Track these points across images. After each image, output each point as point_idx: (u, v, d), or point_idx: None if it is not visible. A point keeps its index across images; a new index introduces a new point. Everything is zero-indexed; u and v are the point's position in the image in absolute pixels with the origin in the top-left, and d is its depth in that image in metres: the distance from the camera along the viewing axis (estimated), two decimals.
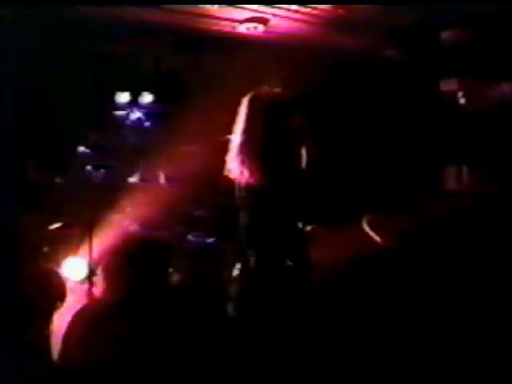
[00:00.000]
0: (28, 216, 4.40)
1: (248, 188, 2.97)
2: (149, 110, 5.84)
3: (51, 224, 4.82)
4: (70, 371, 2.59)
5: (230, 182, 3.07)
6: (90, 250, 4.60)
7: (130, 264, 2.86)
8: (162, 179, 5.67)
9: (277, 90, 3.16)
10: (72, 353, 2.65)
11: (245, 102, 3.15)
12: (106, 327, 2.64)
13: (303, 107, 3.20)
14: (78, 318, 2.78)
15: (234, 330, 2.89)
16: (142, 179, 5.66)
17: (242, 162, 3.01)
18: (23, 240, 4.00)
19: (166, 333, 2.70)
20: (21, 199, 4.39)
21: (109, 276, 2.94)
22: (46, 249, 4.66)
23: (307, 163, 3.09)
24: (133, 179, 5.66)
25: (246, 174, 2.98)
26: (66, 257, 4.71)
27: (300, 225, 3.06)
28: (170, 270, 3.15)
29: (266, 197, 2.92)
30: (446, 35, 5.06)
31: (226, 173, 3.05)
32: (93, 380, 2.53)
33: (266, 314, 2.87)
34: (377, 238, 3.80)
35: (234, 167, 3.06)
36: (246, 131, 3.07)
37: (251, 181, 2.95)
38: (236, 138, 3.12)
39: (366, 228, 3.76)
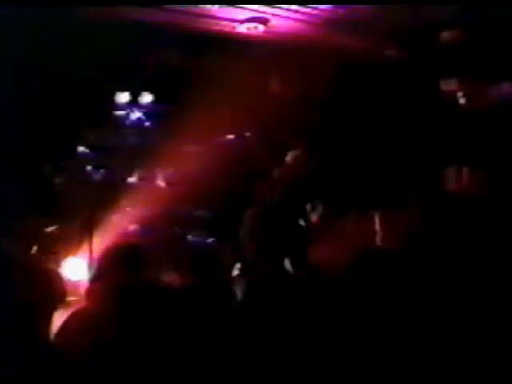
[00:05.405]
0: (29, 216, 4.41)
1: None
2: (149, 110, 5.85)
3: (52, 224, 4.83)
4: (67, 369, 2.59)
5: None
6: (90, 250, 4.61)
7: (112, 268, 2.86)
8: (161, 179, 5.68)
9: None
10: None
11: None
12: (98, 330, 2.64)
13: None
14: (72, 319, 2.78)
15: (234, 330, 2.89)
16: (141, 179, 5.67)
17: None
18: (23, 240, 4.01)
19: (165, 334, 2.70)
20: (21, 200, 4.39)
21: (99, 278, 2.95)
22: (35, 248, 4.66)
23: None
24: (132, 179, 5.66)
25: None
26: (65, 257, 4.71)
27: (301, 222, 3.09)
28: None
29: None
30: (445, 35, 5.06)
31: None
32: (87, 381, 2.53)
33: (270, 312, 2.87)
34: (378, 239, 3.80)
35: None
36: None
37: None
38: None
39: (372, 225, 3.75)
